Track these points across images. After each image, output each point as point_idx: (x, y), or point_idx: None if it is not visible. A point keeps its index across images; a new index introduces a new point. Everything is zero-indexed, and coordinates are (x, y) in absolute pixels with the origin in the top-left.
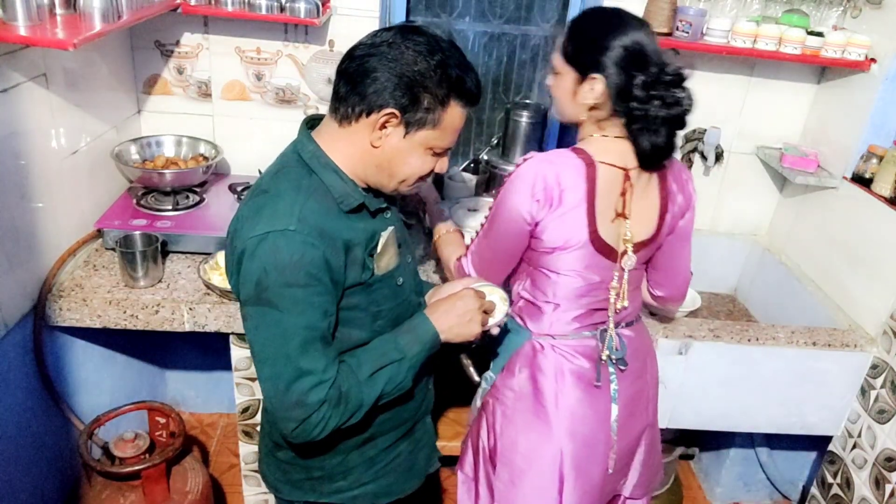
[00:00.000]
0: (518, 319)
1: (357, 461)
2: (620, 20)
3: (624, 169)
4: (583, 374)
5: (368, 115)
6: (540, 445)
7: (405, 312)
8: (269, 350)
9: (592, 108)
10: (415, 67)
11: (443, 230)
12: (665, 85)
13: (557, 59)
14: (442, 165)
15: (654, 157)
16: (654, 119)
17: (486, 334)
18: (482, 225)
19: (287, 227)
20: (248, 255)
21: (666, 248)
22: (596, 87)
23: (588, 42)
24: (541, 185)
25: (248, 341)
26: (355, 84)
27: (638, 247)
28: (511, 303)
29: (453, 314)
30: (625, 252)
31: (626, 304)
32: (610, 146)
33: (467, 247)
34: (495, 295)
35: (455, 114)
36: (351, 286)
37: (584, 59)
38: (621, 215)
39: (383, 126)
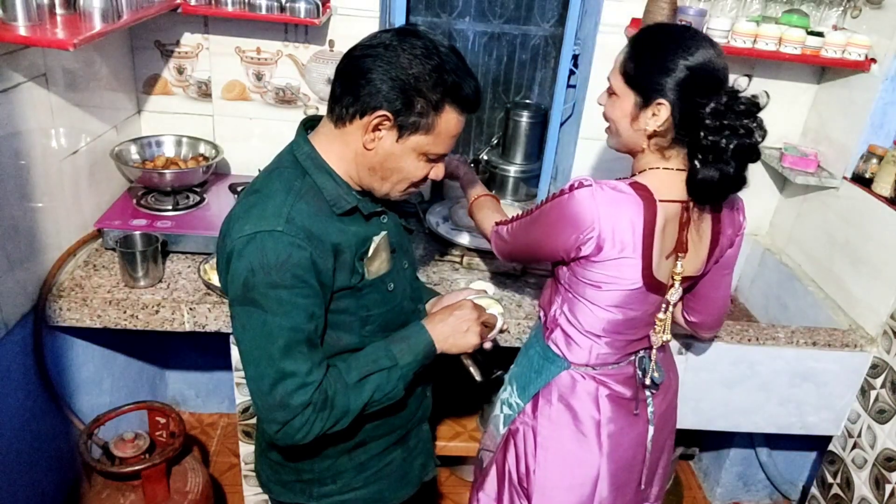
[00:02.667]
0: (554, 347)
1: (347, 466)
2: (690, 37)
3: (683, 202)
4: (622, 401)
5: (362, 116)
6: (580, 472)
7: (396, 318)
8: (254, 350)
9: (653, 135)
10: (410, 71)
11: (477, 193)
12: (737, 114)
13: (616, 80)
14: (437, 172)
15: (717, 191)
16: (724, 150)
17: (482, 358)
18: (529, 212)
19: (275, 228)
20: (237, 254)
21: (708, 276)
22: (660, 114)
23: (654, 62)
24: (591, 229)
25: (235, 340)
26: (350, 85)
27: (685, 280)
28: (504, 315)
29: (451, 325)
30: (672, 285)
31: (669, 336)
32: (674, 180)
33: (512, 219)
34: (493, 308)
35: (450, 120)
36: (340, 290)
37: (648, 81)
38: (679, 250)
39: (376, 128)
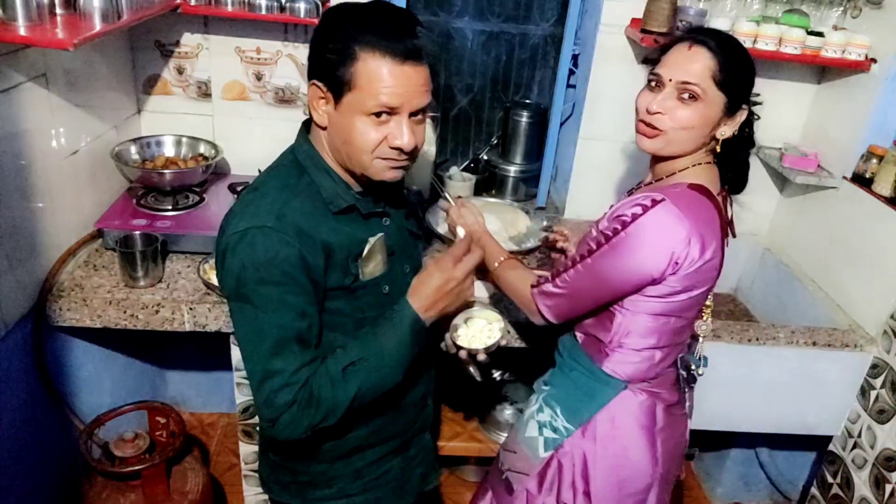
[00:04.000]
0: (610, 371)
1: (342, 471)
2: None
3: (721, 191)
4: (672, 408)
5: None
6: (636, 484)
7: None
8: (247, 347)
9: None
10: (327, 34)
11: (500, 256)
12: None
13: (708, 84)
14: (398, 134)
15: (746, 179)
16: (749, 144)
17: (477, 363)
18: (586, 254)
19: (265, 224)
20: (230, 250)
21: None
22: (740, 120)
23: (746, 70)
24: (688, 241)
25: (234, 336)
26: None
27: None
28: (506, 328)
29: (435, 290)
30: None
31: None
32: (710, 172)
33: (557, 272)
34: (496, 325)
35: (374, 66)
36: (333, 289)
37: (742, 89)
38: (730, 234)
39: (318, 100)
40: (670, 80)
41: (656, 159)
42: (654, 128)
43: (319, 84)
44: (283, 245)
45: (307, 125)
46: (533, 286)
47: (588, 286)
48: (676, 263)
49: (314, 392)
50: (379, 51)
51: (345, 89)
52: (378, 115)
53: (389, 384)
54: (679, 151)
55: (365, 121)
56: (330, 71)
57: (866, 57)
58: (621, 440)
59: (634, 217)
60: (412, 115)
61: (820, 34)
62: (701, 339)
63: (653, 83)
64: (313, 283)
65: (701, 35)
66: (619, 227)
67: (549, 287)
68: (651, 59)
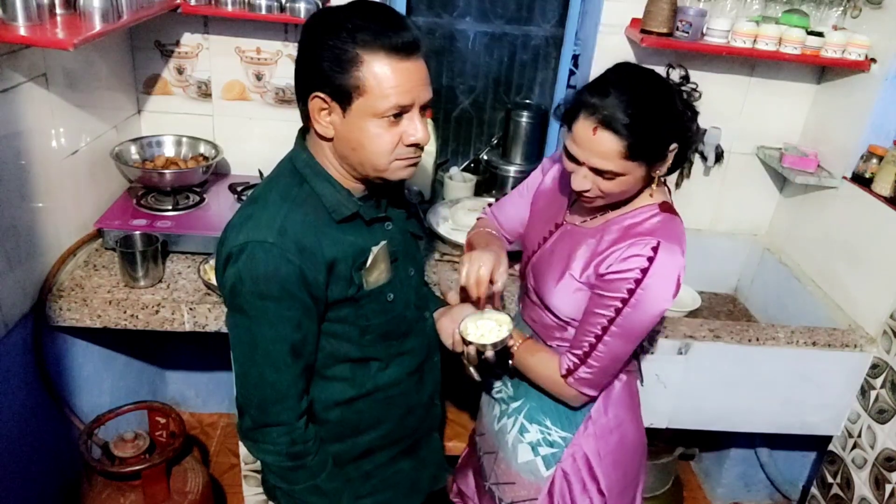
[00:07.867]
0: None
1: (353, 474)
2: (659, 77)
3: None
4: (638, 378)
5: (306, 107)
6: (636, 462)
7: (397, 328)
8: (238, 351)
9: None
10: (324, 42)
11: (519, 339)
12: (693, 109)
13: (619, 164)
14: (413, 132)
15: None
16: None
17: (483, 360)
18: (604, 328)
19: (266, 239)
20: (230, 262)
21: None
22: (671, 156)
23: (660, 130)
24: (683, 268)
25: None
26: (295, 82)
27: None
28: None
29: None
30: None
31: None
32: (664, 186)
33: (584, 352)
34: (504, 327)
35: (381, 70)
36: (337, 301)
37: (659, 142)
38: None
39: (321, 112)
40: (583, 164)
41: None
42: (590, 198)
43: (322, 95)
44: (284, 262)
45: (303, 133)
46: (564, 376)
47: (622, 348)
48: (680, 283)
49: (305, 463)
50: (383, 51)
51: (353, 96)
52: (392, 115)
53: None
54: (625, 197)
55: (378, 124)
56: (331, 80)
57: (866, 57)
58: (618, 429)
59: (644, 271)
60: (420, 109)
61: (820, 34)
62: None
63: (568, 158)
64: (313, 299)
65: (604, 107)
66: (634, 286)
67: (584, 373)
68: (558, 114)
